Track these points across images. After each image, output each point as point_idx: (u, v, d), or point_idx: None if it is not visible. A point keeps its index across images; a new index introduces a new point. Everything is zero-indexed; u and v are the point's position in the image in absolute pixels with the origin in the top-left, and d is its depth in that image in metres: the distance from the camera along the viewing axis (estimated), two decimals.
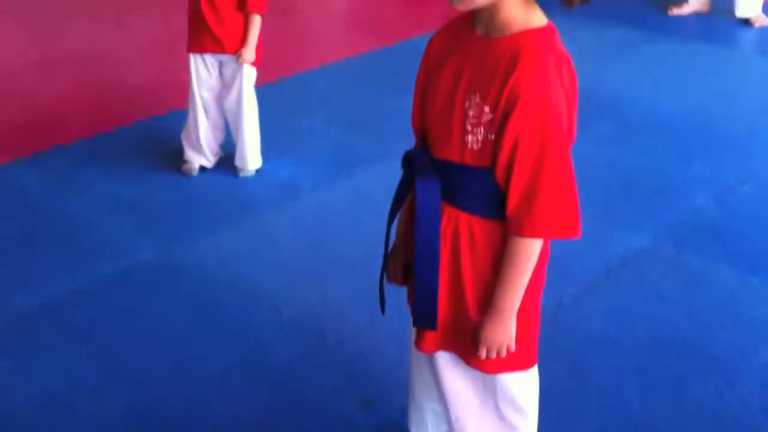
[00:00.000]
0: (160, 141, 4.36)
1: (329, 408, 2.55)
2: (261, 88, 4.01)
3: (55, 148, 4.32)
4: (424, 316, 1.83)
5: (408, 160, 1.83)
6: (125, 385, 2.66)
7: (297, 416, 2.53)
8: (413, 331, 1.95)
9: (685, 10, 6.64)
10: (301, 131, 4.55)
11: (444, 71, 1.71)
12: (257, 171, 4.08)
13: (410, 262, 1.89)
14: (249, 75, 3.88)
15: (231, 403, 2.58)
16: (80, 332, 2.92)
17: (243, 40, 3.76)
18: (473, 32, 1.67)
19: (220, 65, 3.88)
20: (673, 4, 6.70)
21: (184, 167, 4.07)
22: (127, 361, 2.78)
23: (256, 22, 3.76)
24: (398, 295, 2.09)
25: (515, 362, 1.86)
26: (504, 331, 1.76)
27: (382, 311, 2.06)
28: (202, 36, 3.79)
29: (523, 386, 1.93)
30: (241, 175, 4.06)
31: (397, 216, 1.94)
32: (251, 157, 4.04)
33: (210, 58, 3.86)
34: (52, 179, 4.02)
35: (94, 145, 4.37)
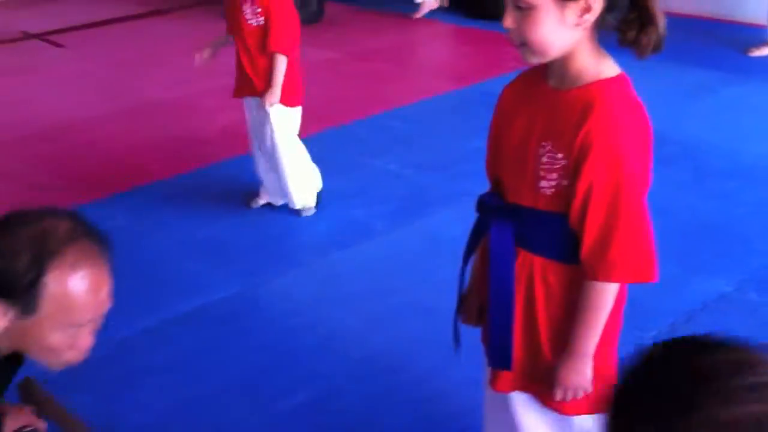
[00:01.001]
0: (237, 182, 4.44)
1: None
2: (335, 130, 4.06)
3: (136, 189, 4.45)
4: (498, 357, 1.85)
5: (482, 205, 1.86)
6: (199, 421, 2.69)
7: None
8: (488, 371, 1.95)
9: (765, 51, 6.51)
10: (374, 172, 4.58)
11: (517, 121, 1.74)
12: (329, 211, 4.11)
13: (484, 304, 1.89)
14: (278, 116, 3.86)
15: None
16: (156, 369, 2.97)
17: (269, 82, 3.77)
18: (545, 84, 1.70)
19: (258, 107, 3.91)
20: (752, 45, 6.57)
21: (251, 200, 4.17)
22: (201, 398, 2.81)
23: (279, 63, 3.75)
24: (471, 337, 2.07)
25: (593, 404, 1.83)
26: (580, 373, 1.76)
27: (455, 349, 2.06)
28: (241, 79, 3.88)
29: (600, 429, 1.88)
30: (302, 214, 4.09)
31: (472, 258, 1.95)
32: (296, 197, 4.03)
33: (250, 101, 3.93)
34: (133, 218, 4.13)
35: (172, 187, 4.49)
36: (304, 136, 4.09)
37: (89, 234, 1.59)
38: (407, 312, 3.28)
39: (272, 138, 3.91)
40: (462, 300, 2.02)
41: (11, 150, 5.01)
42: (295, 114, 3.95)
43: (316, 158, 4.11)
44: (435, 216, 4.06)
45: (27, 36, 7.13)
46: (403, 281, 3.51)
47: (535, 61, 1.65)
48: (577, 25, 1.58)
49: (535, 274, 1.76)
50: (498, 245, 1.77)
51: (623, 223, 1.60)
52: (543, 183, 1.67)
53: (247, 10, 3.73)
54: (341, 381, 2.87)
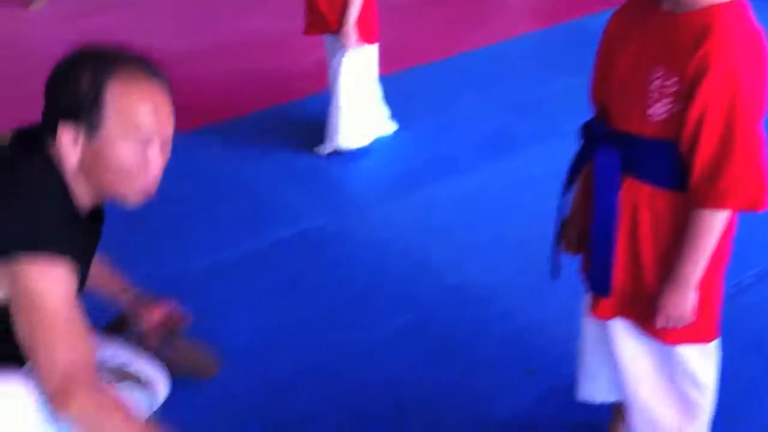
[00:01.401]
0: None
1: (494, 374, 2.62)
2: (424, 67, 4.05)
3: (233, 120, 4.58)
4: (598, 282, 1.87)
5: (588, 131, 1.86)
6: (300, 341, 2.82)
7: (464, 378, 2.61)
8: (587, 298, 1.98)
9: None
10: (461, 109, 4.62)
11: (628, 46, 1.73)
12: (419, 147, 4.15)
13: (585, 231, 1.92)
14: (352, 53, 3.86)
15: (401, 361, 2.70)
16: (256, 293, 3.10)
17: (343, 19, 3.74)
18: (658, 8, 1.68)
19: (333, 42, 3.91)
20: None
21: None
22: (303, 319, 2.93)
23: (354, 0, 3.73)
24: (564, 271, 2.13)
25: (695, 334, 1.85)
26: (683, 301, 1.77)
27: (553, 277, 2.11)
28: (312, 15, 3.89)
29: (703, 360, 1.92)
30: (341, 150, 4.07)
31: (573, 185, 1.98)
32: (333, 135, 4.02)
33: (328, 37, 3.94)
34: (229, 149, 4.25)
35: (267, 118, 4.59)
36: (385, 72, 4.11)
37: (144, 61, 1.67)
38: (497, 244, 3.34)
39: (336, 72, 3.91)
40: (562, 227, 2.04)
41: None
42: (371, 52, 3.94)
43: (402, 94, 4.12)
44: (524, 154, 4.08)
45: None
46: (491, 215, 3.57)
47: None
48: None
49: (642, 200, 1.77)
50: (604, 171, 1.78)
51: (737, 149, 1.59)
52: (653, 109, 1.66)
53: None
54: (437, 308, 2.96)
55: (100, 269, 2.09)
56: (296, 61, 5.38)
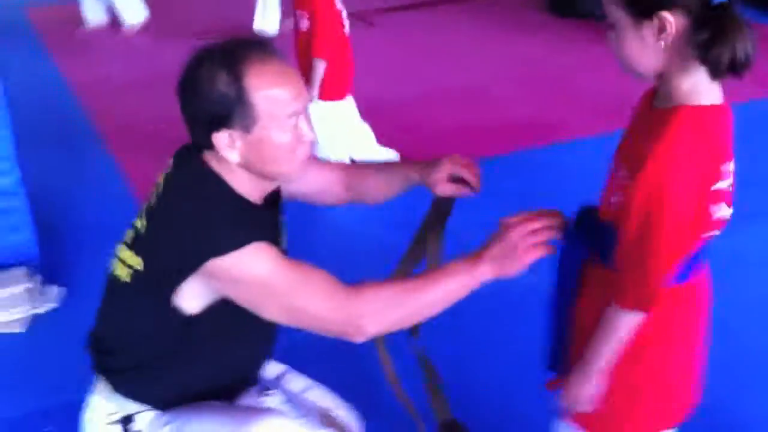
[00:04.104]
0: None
1: None
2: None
3: None
4: (550, 358, 1.89)
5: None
6: None
7: None
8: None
9: None
10: None
11: (623, 137, 1.75)
12: None
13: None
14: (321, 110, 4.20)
15: None
16: None
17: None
18: (651, 102, 1.68)
19: None
20: None
21: None
22: None
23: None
24: None
25: (602, 423, 1.82)
26: (580, 385, 1.75)
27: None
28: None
29: None
30: None
31: None
32: None
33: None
34: None
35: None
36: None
37: (259, 43, 1.72)
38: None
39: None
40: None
41: None
42: (342, 107, 4.38)
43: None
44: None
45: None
46: None
47: (636, 76, 1.64)
48: (657, 43, 1.55)
49: (594, 283, 1.76)
50: (568, 253, 1.78)
51: (643, 254, 1.57)
52: (613, 198, 1.68)
53: None
54: None
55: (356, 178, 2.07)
56: (492, 116, 5.45)
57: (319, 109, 4.22)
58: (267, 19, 7.26)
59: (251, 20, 7.25)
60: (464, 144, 5.00)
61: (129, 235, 1.80)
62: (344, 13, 4.34)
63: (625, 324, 1.66)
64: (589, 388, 1.75)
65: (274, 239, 1.76)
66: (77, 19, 7.68)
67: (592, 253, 1.75)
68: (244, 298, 1.68)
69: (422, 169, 1.98)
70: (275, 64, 1.69)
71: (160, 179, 1.79)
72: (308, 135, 1.73)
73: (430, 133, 5.24)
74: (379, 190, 2.07)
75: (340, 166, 2.16)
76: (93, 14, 7.71)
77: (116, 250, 1.82)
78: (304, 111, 1.73)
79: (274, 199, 1.86)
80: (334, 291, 1.66)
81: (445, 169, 1.95)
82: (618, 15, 1.57)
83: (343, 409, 2.06)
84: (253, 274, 1.63)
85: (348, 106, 4.45)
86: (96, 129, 5.40)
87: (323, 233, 4.09)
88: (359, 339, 1.68)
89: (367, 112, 4.54)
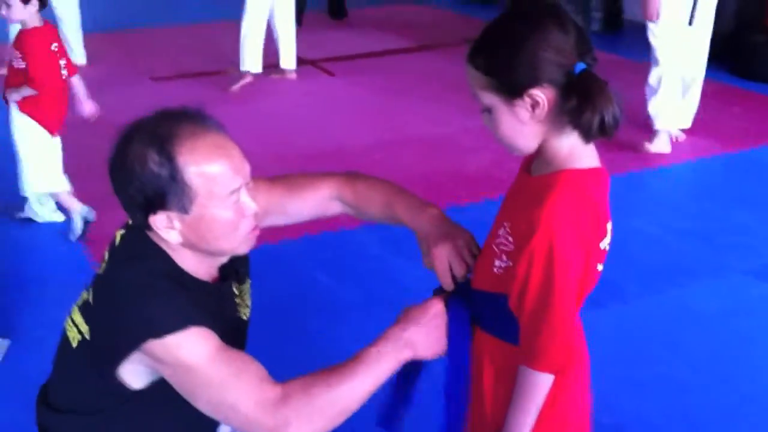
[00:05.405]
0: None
1: None
2: None
3: None
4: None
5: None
6: None
7: None
8: None
9: None
10: (633, 233, 4.45)
11: (503, 203, 1.78)
12: None
13: None
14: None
15: None
16: None
17: None
18: (527, 170, 1.73)
19: None
20: None
21: None
22: None
23: None
24: None
25: None
26: None
27: None
28: None
29: None
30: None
31: None
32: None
33: None
34: (390, 245, 4.19)
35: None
36: None
37: (191, 114, 1.62)
38: (658, 383, 3.17)
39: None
40: None
41: (291, 166, 5.33)
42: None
43: None
44: (694, 287, 3.83)
45: (303, 62, 7.63)
46: (653, 350, 3.39)
47: (518, 154, 1.69)
48: (532, 119, 1.60)
49: (485, 353, 1.77)
50: (455, 322, 1.80)
51: (549, 314, 1.59)
52: (497, 263, 1.69)
53: None
54: None
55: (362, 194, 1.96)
56: (462, 165, 5.39)
57: (25, 123, 4.23)
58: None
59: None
60: (431, 191, 4.88)
61: (83, 297, 1.72)
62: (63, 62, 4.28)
63: (543, 386, 1.66)
64: None
65: (222, 317, 1.69)
66: None
67: (476, 322, 1.78)
68: (177, 383, 1.59)
69: (414, 218, 1.90)
70: (209, 137, 1.59)
71: (117, 236, 1.72)
72: (251, 207, 1.64)
73: (398, 181, 5.09)
74: (375, 214, 1.98)
75: (338, 182, 1.99)
76: None
77: (72, 308, 1.74)
78: (247, 184, 1.64)
79: (234, 267, 1.77)
80: (265, 390, 1.55)
81: (442, 252, 1.81)
82: (490, 99, 1.60)
83: None
84: (186, 361, 1.54)
85: (52, 142, 4.33)
86: None
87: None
88: None
89: (332, 159, 4.42)
